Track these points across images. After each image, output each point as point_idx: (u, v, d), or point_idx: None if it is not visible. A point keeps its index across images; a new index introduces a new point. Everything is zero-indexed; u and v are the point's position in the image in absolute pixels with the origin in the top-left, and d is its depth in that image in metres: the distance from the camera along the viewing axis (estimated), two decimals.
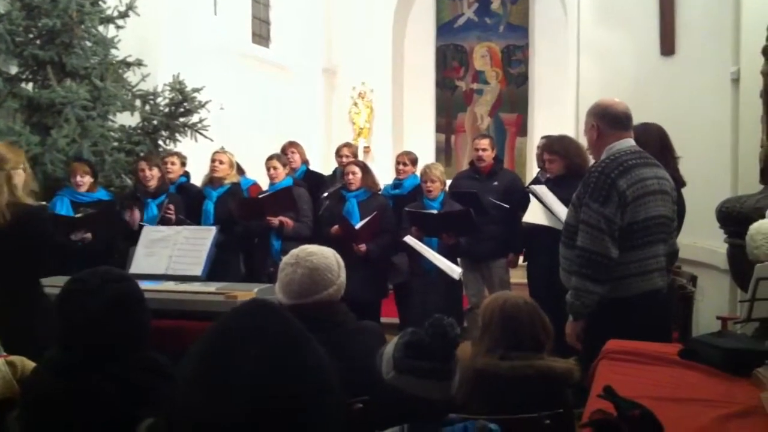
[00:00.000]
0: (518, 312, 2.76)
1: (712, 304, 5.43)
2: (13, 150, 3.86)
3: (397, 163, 6.32)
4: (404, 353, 1.97)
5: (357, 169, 5.84)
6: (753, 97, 4.98)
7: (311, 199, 6.04)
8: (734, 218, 4.36)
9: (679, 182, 4.03)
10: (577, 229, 3.23)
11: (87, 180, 5.45)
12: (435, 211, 5.55)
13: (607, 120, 3.34)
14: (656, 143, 3.98)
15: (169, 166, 6.04)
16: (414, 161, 6.27)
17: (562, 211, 4.61)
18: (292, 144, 6.80)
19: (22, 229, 3.57)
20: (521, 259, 5.99)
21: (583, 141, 3.78)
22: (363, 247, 5.51)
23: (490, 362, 2.65)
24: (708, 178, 5.53)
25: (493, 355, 2.67)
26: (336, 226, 5.60)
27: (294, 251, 2.70)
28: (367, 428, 2.11)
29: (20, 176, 3.70)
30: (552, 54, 10.17)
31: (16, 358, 2.44)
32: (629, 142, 3.33)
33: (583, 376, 2.69)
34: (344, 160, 6.56)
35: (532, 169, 8.46)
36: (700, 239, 5.53)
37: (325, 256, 2.67)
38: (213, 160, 5.96)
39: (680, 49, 6.57)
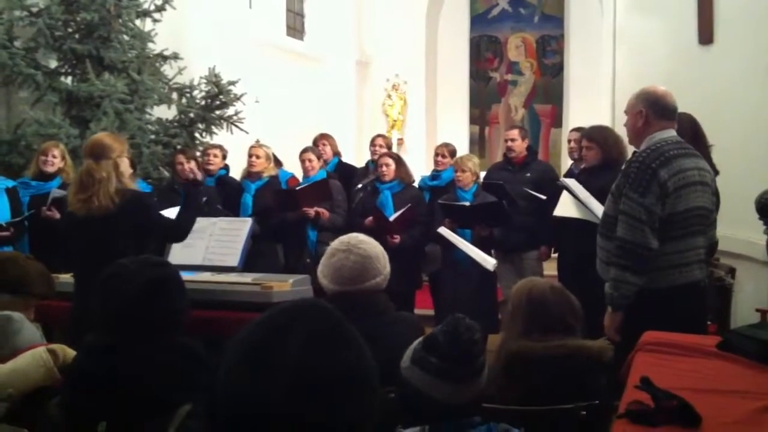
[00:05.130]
0: (545, 296, 2.76)
1: (752, 296, 5.35)
2: (117, 139, 4.09)
3: (436, 155, 6.30)
4: (421, 345, 1.96)
5: (391, 161, 5.86)
6: None
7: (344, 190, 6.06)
8: None
9: (713, 171, 3.97)
10: (616, 219, 3.20)
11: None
12: (467, 203, 5.54)
13: (657, 109, 3.31)
14: (688, 133, 3.93)
15: (210, 158, 6.07)
16: (452, 153, 6.25)
17: (594, 203, 4.58)
18: (323, 136, 6.81)
19: (130, 212, 3.78)
20: (553, 251, 5.94)
21: (620, 131, 3.74)
22: (397, 239, 5.52)
23: (524, 345, 2.64)
24: (747, 169, 5.44)
25: (526, 338, 2.66)
26: (370, 218, 5.62)
27: (343, 238, 2.69)
28: (396, 419, 2.12)
29: (125, 163, 3.96)
30: (587, 44, 10.04)
31: (57, 347, 2.48)
32: (671, 133, 3.30)
33: (619, 368, 2.68)
34: (378, 149, 6.54)
35: (567, 161, 8.38)
36: (739, 231, 5.44)
37: (374, 245, 2.67)
38: (250, 155, 6.01)
39: (718, 38, 6.45)
